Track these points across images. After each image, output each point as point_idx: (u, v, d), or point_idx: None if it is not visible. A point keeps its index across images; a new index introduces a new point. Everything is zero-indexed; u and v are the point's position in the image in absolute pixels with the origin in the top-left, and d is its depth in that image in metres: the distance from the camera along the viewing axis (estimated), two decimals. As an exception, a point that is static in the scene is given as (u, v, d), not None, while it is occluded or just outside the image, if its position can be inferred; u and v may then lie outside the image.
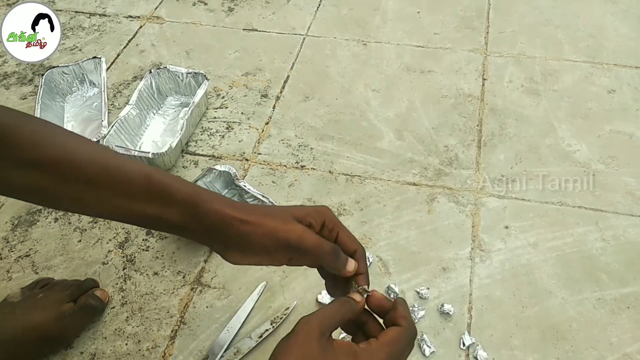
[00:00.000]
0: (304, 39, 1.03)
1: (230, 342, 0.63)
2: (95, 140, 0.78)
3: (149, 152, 0.76)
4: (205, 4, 1.12)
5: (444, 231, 0.73)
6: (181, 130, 0.80)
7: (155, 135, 0.86)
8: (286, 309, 0.65)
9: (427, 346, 0.62)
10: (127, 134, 0.82)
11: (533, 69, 0.96)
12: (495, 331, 0.64)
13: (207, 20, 1.08)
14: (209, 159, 0.83)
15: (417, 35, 1.03)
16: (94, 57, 0.93)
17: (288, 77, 0.96)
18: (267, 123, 0.88)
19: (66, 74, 0.91)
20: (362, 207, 0.76)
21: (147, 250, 0.72)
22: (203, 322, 0.65)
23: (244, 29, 1.06)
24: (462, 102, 0.90)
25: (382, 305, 0.45)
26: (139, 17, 1.09)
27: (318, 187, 0.79)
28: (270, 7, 1.10)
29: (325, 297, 0.66)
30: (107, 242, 0.73)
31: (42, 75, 0.89)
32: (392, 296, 0.66)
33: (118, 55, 1.01)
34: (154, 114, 0.89)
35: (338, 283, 0.48)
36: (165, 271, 0.70)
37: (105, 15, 1.10)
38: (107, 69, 0.96)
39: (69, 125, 0.88)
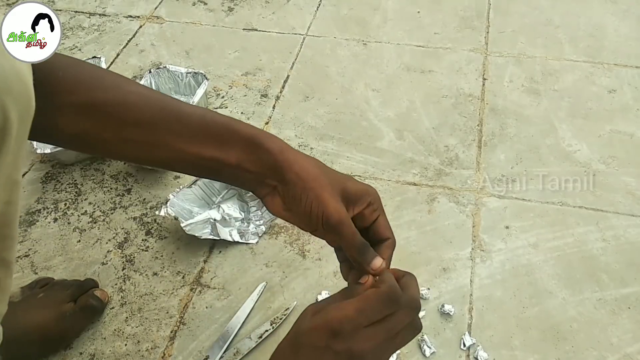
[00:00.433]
0: (304, 38, 1.03)
1: (230, 342, 0.63)
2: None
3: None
4: (205, 3, 1.12)
5: (445, 231, 0.73)
6: (181, 130, 0.80)
7: (155, 135, 0.85)
8: (286, 309, 0.65)
9: (428, 347, 0.62)
10: (127, 133, 0.82)
11: (533, 68, 0.96)
12: (496, 331, 0.63)
13: (207, 20, 1.08)
14: (209, 159, 0.83)
15: (417, 35, 1.03)
16: (94, 57, 0.93)
17: (288, 76, 0.96)
18: (267, 123, 0.88)
19: (66, 73, 0.91)
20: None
21: (147, 251, 0.72)
22: (203, 323, 0.65)
23: (243, 29, 1.06)
24: (462, 102, 0.90)
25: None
26: (138, 17, 1.09)
27: (318, 187, 0.78)
28: (270, 6, 1.10)
29: (325, 297, 0.66)
30: (107, 242, 0.73)
31: (42, 75, 0.89)
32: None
33: (118, 55, 1.01)
34: (154, 114, 0.88)
35: (353, 269, 0.47)
36: (165, 271, 0.70)
37: (105, 15, 1.10)
38: (107, 68, 0.96)
39: (68, 125, 0.88)
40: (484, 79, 0.94)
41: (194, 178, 0.75)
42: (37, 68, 0.42)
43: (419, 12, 1.08)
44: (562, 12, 1.07)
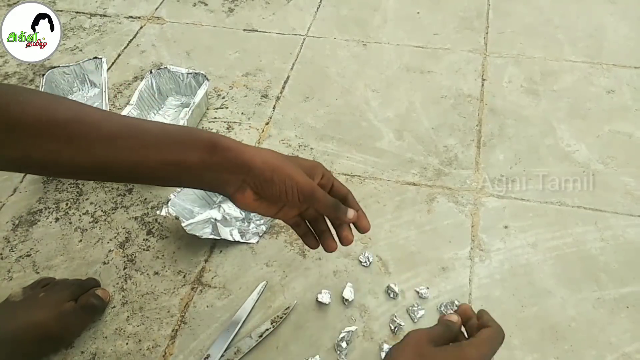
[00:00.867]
0: (304, 39, 1.04)
1: (231, 341, 0.63)
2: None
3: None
4: (206, 4, 1.12)
5: (444, 231, 0.73)
6: (182, 130, 0.80)
7: (155, 136, 0.86)
8: (286, 309, 0.65)
9: (427, 345, 0.62)
10: (128, 134, 0.82)
11: (532, 69, 0.96)
12: (495, 331, 0.64)
13: (207, 21, 1.08)
14: (210, 159, 0.83)
15: (417, 35, 1.03)
16: (95, 58, 0.93)
17: (288, 77, 0.96)
18: (267, 123, 0.88)
19: (67, 74, 0.92)
20: (362, 207, 0.76)
21: (148, 250, 0.72)
22: (203, 322, 0.65)
23: (244, 30, 1.06)
24: (461, 103, 0.91)
25: (468, 315, 0.50)
26: (139, 17, 1.10)
27: (318, 187, 0.79)
28: (271, 7, 1.11)
29: (325, 297, 0.66)
30: (108, 242, 0.73)
31: (43, 75, 0.90)
32: (391, 295, 0.67)
33: (119, 55, 1.01)
34: (155, 114, 0.89)
35: (316, 234, 0.56)
36: (166, 271, 0.70)
37: (106, 15, 1.10)
38: (108, 69, 0.97)
39: (69, 126, 0.88)
40: (483, 80, 0.95)
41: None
42: None
43: (418, 12, 1.08)
44: (561, 12, 1.07)
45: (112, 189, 0.80)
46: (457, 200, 0.77)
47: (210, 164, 0.47)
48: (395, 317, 0.64)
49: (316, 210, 0.55)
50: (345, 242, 0.55)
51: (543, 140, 0.84)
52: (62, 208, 0.77)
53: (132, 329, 0.65)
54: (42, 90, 0.87)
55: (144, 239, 0.74)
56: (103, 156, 0.45)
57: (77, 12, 1.11)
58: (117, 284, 0.69)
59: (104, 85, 0.89)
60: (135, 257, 0.72)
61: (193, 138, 0.48)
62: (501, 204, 0.76)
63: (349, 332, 0.63)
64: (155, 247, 0.73)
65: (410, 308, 0.65)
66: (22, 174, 0.81)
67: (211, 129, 0.87)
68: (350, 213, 0.53)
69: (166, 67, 0.89)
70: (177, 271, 0.70)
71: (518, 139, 0.85)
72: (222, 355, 0.62)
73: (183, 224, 0.69)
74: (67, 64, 0.92)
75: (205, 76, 0.88)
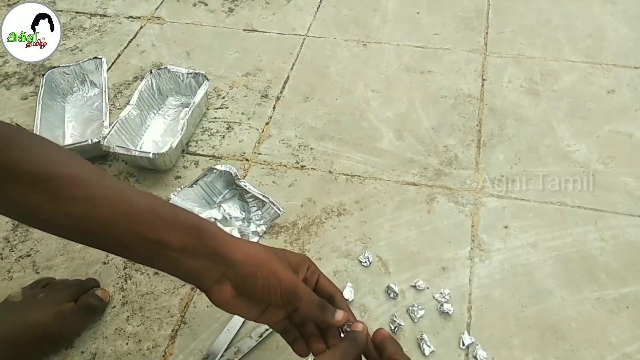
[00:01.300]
0: (304, 39, 1.04)
1: (231, 341, 0.63)
2: (96, 140, 0.78)
3: (149, 152, 0.76)
4: (206, 4, 1.12)
5: (444, 231, 0.73)
6: (182, 130, 0.80)
7: (156, 136, 0.86)
8: (286, 309, 0.65)
9: (427, 345, 0.62)
10: (128, 134, 0.82)
11: (532, 69, 0.96)
12: (495, 331, 0.64)
13: (207, 21, 1.08)
14: (210, 159, 0.83)
15: (417, 35, 1.03)
16: (95, 58, 0.93)
17: (288, 77, 0.96)
18: (267, 123, 0.88)
19: (67, 74, 0.92)
20: (362, 207, 0.76)
21: (148, 250, 0.72)
22: (203, 322, 0.65)
23: (244, 30, 1.06)
24: (461, 103, 0.91)
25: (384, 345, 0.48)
26: (139, 17, 1.10)
27: (318, 187, 0.79)
28: (271, 7, 1.11)
29: (325, 297, 0.66)
30: (108, 242, 0.73)
31: (43, 75, 0.90)
32: (391, 295, 0.67)
33: (119, 55, 1.01)
34: (155, 114, 0.89)
35: (304, 338, 0.51)
36: (166, 271, 0.70)
37: (106, 15, 1.10)
38: (108, 69, 0.97)
39: (69, 126, 0.88)
40: (483, 80, 0.95)
41: (195, 177, 0.75)
42: None
43: (418, 13, 1.08)
44: (561, 12, 1.07)
45: (112, 189, 0.80)
46: (457, 200, 0.77)
47: (190, 249, 0.44)
48: (395, 317, 0.64)
49: (300, 311, 0.48)
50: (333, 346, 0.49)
51: (543, 140, 0.84)
52: (62, 208, 0.77)
53: (132, 329, 0.65)
54: (42, 90, 0.87)
55: (144, 239, 0.73)
56: (84, 220, 0.43)
57: (77, 12, 1.11)
58: (117, 284, 0.69)
59: (104, 85, 0.89)
60: (135, 257, 0.71)
61: (179, 218, 0.45)
62: (501, 204, 0.76)
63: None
64: (155, 247, 0.73)
65: (410, 308, 0.65)
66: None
67: (211, 129, 0.88)
68: (339, 315, 0.47)
69: (166, 67, 0.89)
70: (177, 271, 0.70)
71: (518, 139, 0.85)
72: (222, 355, 0.62)
73: (183, 224, 0.69)
74: (67, 64, 0.92)
75: (205, 76, 0.88)
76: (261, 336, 0.63)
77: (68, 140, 0.85)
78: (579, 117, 0.88)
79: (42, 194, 0.42)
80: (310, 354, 0.50)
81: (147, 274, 0.70)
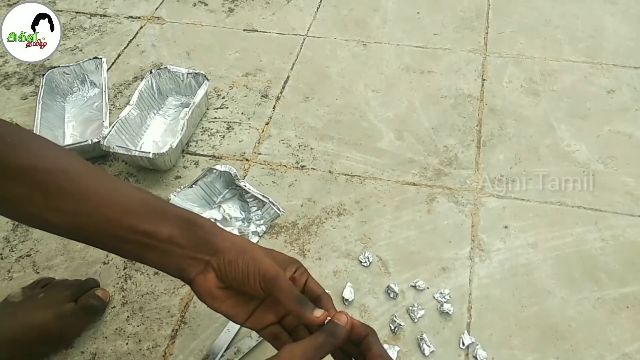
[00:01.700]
0: (304, 39, 1.04)
1: (231, 341, 0.63)
2: (96, 140, 0.78)
3: (149, 152, 0.76)
4: (206, 4, 1.12)
5: (444, 231, 0.73)
6: (182, 130, 0.80)
7: (156, 136, 0.86)
8: (286, 309, 0.65)
9: (427, 345, 0.62)
10: (128, 134, 0.82)
11: (532, 69, 0.96)
12: (495, 331, 0.64)
13: (207, 21, 1.08)
14: (210, 159, 0.83)
15: (417, 35, 1.03)
16: (95, 58, 0.93)
17: (288, 77, 0.96)
18: (267, 123, 0.88)
19: (67, 74, 0.92)
20: (362, 207, 0.76)
21: (148, 250, 0.72)
22: (204, 322, 0.65)
23: (244, 30, 1.06)
24: (461, 103, 0.91)
25: (359, 333, 0.45)
26: (139, 17, 1.10)
27: (318, 187, 0.79)
28: (271, 7, 1.11)
29: (325, 297, 0.66)
30: (108, 242, 0.73)
31: (43, 75, 0.90)
32: (391, 295, 0.67)
33: (119, 55, 1.01)
34: (155, 114, 0.89)
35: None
36: (166, 271, 0.70)
37: (106, 15, 1.10)
38: (108, 69, 0.97)
39: (69, 126, 0.88)
40: (483, 80, 0.95)
41: (195, 177, 0.75)
42: None
43: (418, 13, 1.08)
44: (561, 12, 1.07)
45: (112, 189, 0.80)
46: (457, 200, 0.77)
47: (178, 240, 0.45)
48: (395, 317, 0.64)
49: (279, 301, 0.45)
50: None
51: (543, 140, 0.84)
52: (62, 208, 0.77)
53: (132, 329, 0.65)
54: (42, 90, 0.87)
55: (144, 239, 0.73)
56: (73, 212, 0.43)
57: (77, 12, 1.11)
58: (117, 284, 0.69)
59: (104, 85, 0.89)
60: (135, 257, 0.72)
61: (169, 211, 0.46)
62: (501, 204, 0.76)
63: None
64: (155, 247, 0.73)
65: (410, 308, 0.65)
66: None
67: (211, 129, 0.88)
68: (318, 312, 0.44)
69: (166, 67, 0.89)
70: (177, 271, 0.70)
71: (518, 139, 0.85)
72: (222, 355, 0.62)
73: (183, 224, 0.69)
74: (67, 64, 0.92)
75: (205, 76, 0.88)
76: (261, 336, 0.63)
77: (68, 140, 0.85)
78: (579, 117, 0.88)
79: (32, 189, 0.42)
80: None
81: (147, 274, 0.70)
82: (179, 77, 0.90)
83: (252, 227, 0.74)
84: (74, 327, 0.63)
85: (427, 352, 0.62)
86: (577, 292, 0.67)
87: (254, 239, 0.72)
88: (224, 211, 0.75)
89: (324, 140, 0.86)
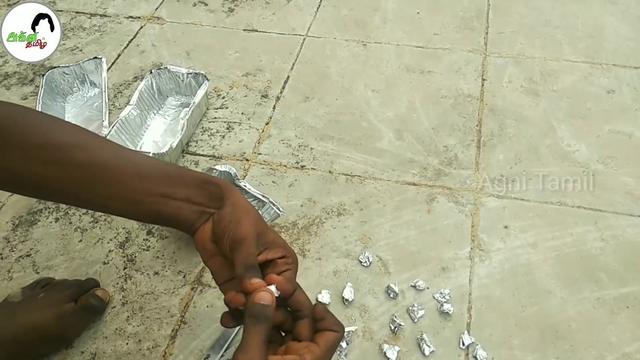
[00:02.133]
0: (304, 39, 1.04)
1: (231, 341, 0.63)
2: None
3: (149, 152, 0.76)
4: (206, 4, 1.12)
5: (444, 231, 0.73)
6: (182, 130, 0.80)
7: (156, 136, 0.86)
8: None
9: (427, 345, 0.62)
10: (128, 134, 0.82)
11: (532, 69, 0.96)
12: (495, 331, 0.64)
13: (207, 21, 1.08)
14: (210, 159, 0.83)
15: (417, 35, 1.03)
16: (95, 58, 0.93)
17: (288, 77, 0.96)
18: (267, 123, 0.88)
19: (67, 74, 0.92)
20: (362, 207, 0.76)
21: (148, 250, 0.72)
22: (203, 322, 0.65)
23: (244, 30, 1.06)
24: (461, 103, 0.91)
25: (301, 303, 0.45)
26: (139, 17, 1.10)
27: (318, 187, 0.79)
28: (271, 7, 1.11)
29: (325, 297, 0.66)
30: (108, 242, 0.73)
31: (43, 75, 0.90)
32: (391, 295, 0.67)
33: (119, 55, 1.01)
34: (155, 114, 0.89)
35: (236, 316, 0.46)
36: (166, 271, 0.70)
37: (105, 15, 1.10)
38: (108, 69, 0.97)
39: (69, 126, 0.88)
40: (483, 80, 0.95)
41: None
42: None
43: (418, 13, 1.09)
44: (561, 12, 1.07)
45: (112, 189, 0.80)
46: (457, 200, 0.77)
47: (194, 199, 0.46)
48: (395, 317, 0.64)
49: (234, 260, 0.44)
50: (228, 298, 0.44)
51: (543, 140, 0.84)
52: (62, 208, 0.77)
53: (132, 329, 0.65)
54: (42, 90, 0.87)
55: (144, 239, 0.74)
56: (90, 182, 0.44)
57: (77, 12, 1.11)
58: (117, 284, 0.69)
59: (104, 85, 0.89)
60: (135, 257, 0.72)
61: (185, 173, 0.47)
62: (501, 204, 0.76)
63: (349, 332, 0.63)
64: (155, 247, 0.73)
65: (410, 308, 0.65)
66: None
67: (211, 129, 0.88)
68: (256, 282, 0.42)
69: (166, 67, 0.89)
70: (177, 271, 0.70)
71: (518, 139, 0.85)
72: (222, 355, 0.62)
73: (183, 224, 0.69)
74: (67, 64, 0.92)
75: (205, 76, 0.88)
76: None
77: (68, 140, 0.85)
78: (579, 117, 0.88)
79: (50, 164, 0.43)
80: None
81: (147, 274, 0.70)
82: (179, 77, 0.90)
83: (252, 227, 0.73)
84: (74, 327, 0.63)
85: (427, 352, 0.62)
86: (577, 292, 0.67)
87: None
88: (224, 211, 0.75)
89: (324, 140, 0.86)
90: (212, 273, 0.48)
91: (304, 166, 0.82)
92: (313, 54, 1.00)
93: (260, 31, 1.06)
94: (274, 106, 0.91)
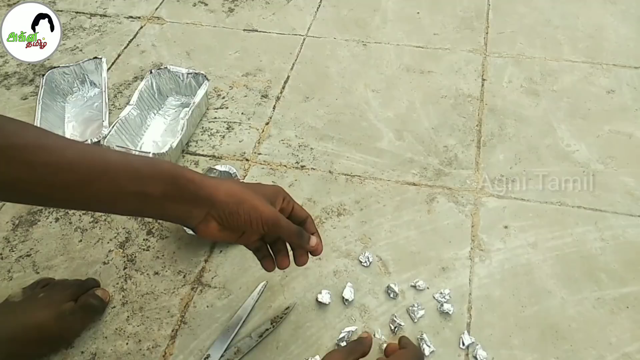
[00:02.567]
0: (304, 39, 1.04)
1: (231, 341, 0.63)
2: (96, 140, 0.78)
3: (149, 152, 0.76)
4: (206, 4, 1.12)
5: (444, 231, 0.73)
6: (182, 130, 0.80)
7: (156, 136, 0.86)
8: (286, 309, 0.65)
9: (427, 345, 0.62)
10: (128, 134, 0.82)
11: (532, 69, 0.96)
12: (495, 331, 0.64)
13: (207, 21, 1.08)
14: (210, 159, 0.83)
15: (417, 35, 1.03)
16: (95, 58, 0.93)
17: (288, 77, 0.96)
18: (267, 123, 0.88)
19: (67, 74, 0.92)
20: (362, 207, 0.76)
21: (148, 250, 0.72)
22: (203, 322, 0.65)
23: (244, 30, 1.06)
24: (461, 103, 0.91)
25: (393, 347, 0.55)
26: (139, 17, 1.10)
27: (318, 187, 0.79)
28: (271, 7, 1.11)
29: (325, 297, 0.66)
30: (108, 242, 0.73)
31: (43, 75, 0.90)
32: (391, 295, 0.67)
33: (119, 55, 1.01)
34: (155, 114, 0.89)
35: (273, 252, 0.58)
36: (166, 271, 0.70)
37: (106, 15, 1.10)
38: (108, 69, 0.97)
39: (69, 126, 0.88)
40: (483, 80, 0.95)
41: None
42: None
43: (418, 13, 1.09)
44: (561, 12, 1.07)
45: (112, 189, 0.80)
46: (457, 200, 0.77)
47: (172, 196, 0.48)
48: (395, 317, 0.64)
49: (282, 237, 0.56)
50: (301, 263, 0.58)
51: (543, 140, 0.84)
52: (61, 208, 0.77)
53: (132, 329, 0.65)
54: (42, 90, 0.87)
55: (144, 239, 0.74)
56: (63, 183, 0.45)
57: (77, 12, 1.11)
58: (117, 284, 0.69)
59: (103, 85, 0.89)
60: (135, 257, 0.72)
61: (155, 169, 0.48)
62: (501, 204, 0.76)
63: (349, 332, 0.63)
64: (155, 247, 0.73)
65: (410, 308, 0.65)
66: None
67: (211, 129, 0.88)
68: (313, 241, 0.56)
69: (166, 67, 0.89)
70: (177, 271, 0.70)
71: (518, 139, 0.85)
72: (222, 355, 0.62)
73: (183, 224, 0.69)
74: (67, 64, 0.92)
75: (205, 76, 0.88)
76: (261, 336, 0.63)
77: (68, 140, 0.85)
78: (578, 117, 0.88)
79: (18, 165, 0.43)
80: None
81: (147, 274, 0.70)
82: (179, 77, 0.90)
83: (252, 227, 0.74)
84: (74, 327, 0.63)
85: (427, 352, 0.62)
86: (577, 292, 0.67)
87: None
88: (224, 211, 0.75)
89: (324, 140, 0.86)
90: (223, 241, 0.55)
91: (304, 166, 0.82)
92: (313, 54, 1.00)
93: (260, 31, 1.06)
94: (274, 106, 0.91)
